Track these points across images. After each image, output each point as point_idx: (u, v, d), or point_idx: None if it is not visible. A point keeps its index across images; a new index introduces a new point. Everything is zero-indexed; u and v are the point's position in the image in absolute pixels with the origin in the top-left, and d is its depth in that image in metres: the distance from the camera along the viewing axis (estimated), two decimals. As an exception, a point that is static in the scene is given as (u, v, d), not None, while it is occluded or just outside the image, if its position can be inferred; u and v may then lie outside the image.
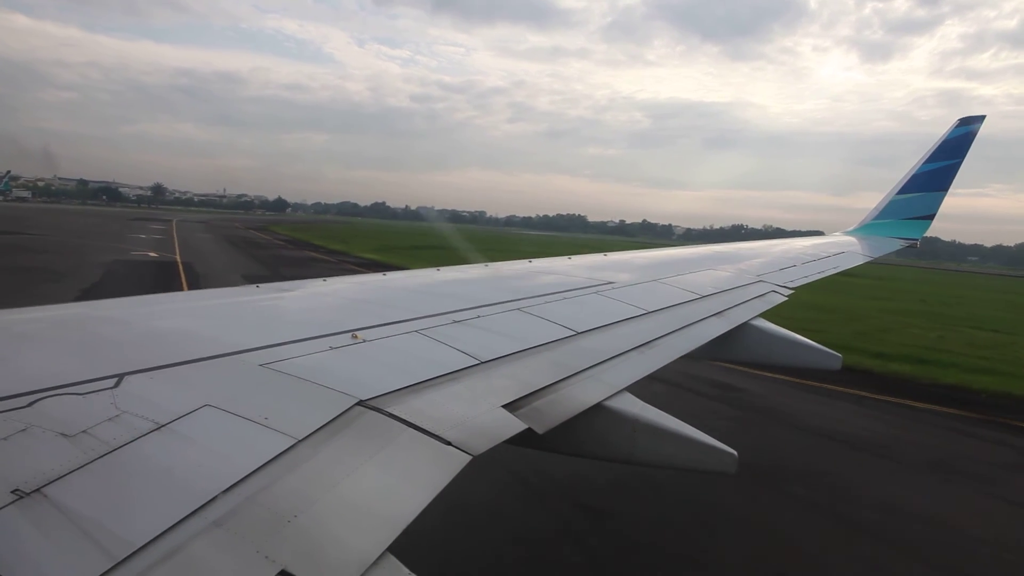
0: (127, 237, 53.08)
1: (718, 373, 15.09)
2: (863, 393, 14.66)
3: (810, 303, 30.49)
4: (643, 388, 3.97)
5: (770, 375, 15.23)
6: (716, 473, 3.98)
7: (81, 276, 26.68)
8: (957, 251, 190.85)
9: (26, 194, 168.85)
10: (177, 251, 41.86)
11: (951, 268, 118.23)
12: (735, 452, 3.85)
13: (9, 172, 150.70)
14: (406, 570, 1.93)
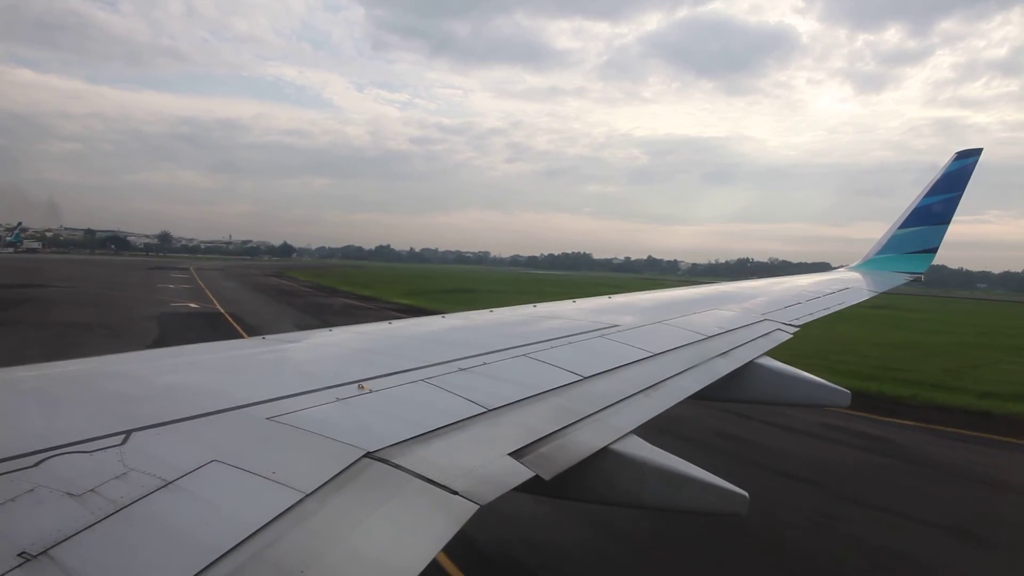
0: (156, 287, 52.99)
1: (856, 423, 14.81)
2: (1006, 439, 14.15)
3: (874, 340, 30.38)
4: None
5: (904, 422, 15.12)
6: (727, 515, 3.91)
7: (139, 331, 26.14)
8: (965, 278, 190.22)
9: (36, 245, 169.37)
10: (215, 301, 41.36)
11: (965, 296, 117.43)
12: (746, 494, 3.79)
13: (20, 224, 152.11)
14: None
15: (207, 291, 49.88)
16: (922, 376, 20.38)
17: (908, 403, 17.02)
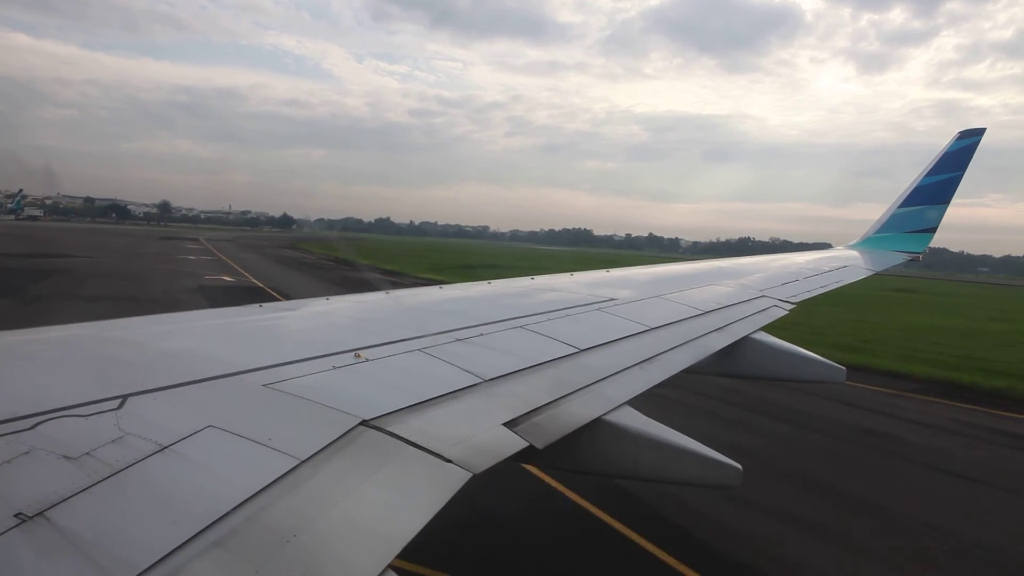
0: (178, 259, 50.96)
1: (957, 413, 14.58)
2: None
3: (933, 325, 29.94)
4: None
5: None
6: (721, 487, 3.97)
7: (193, 307, 24.62)
8: (966, 262, 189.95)
9: (38, 213, 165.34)
10: (247, 275, 39.69)
11: (971, 279, 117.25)
12: (739, 466, 3.84)
13: (21, 191, 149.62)
14: None
15: (232, 263, 48.17)
16: (1005, 367, 19.54)
17: (1008, 396, 16.46)
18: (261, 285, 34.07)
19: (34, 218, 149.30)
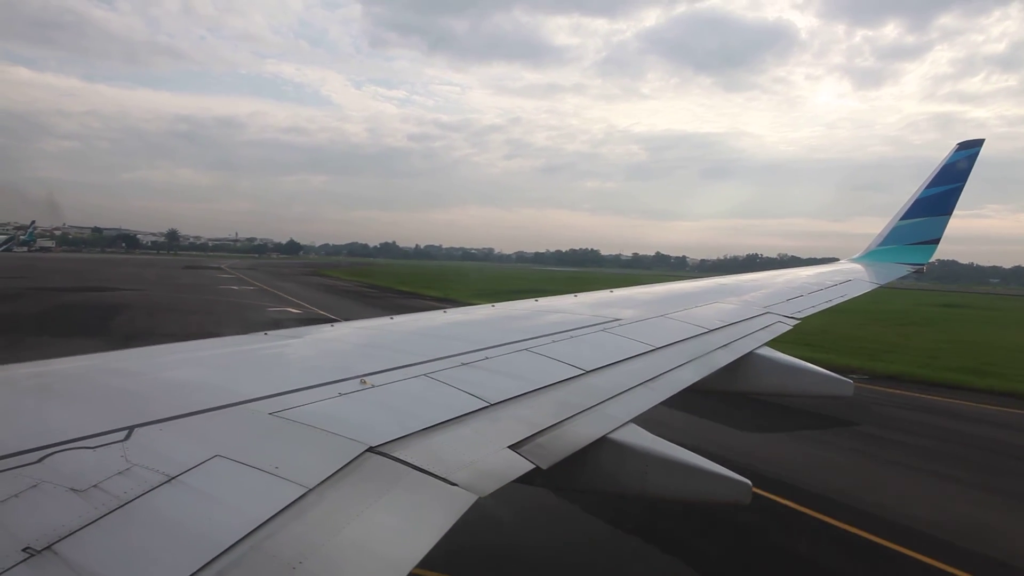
0: (222, 289, 49.89)
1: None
2: None
3: (1003, 343, 29.47)
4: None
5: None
6: (731, 504, 3.93)
7: None
8: (976, 273, 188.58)
9: (50, 244, 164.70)
10: (307, 304, 38.73)
11: (988, 291, 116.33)
12: (749, 482, 3.81)
13: (34, 223, 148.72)
14: None
15: (279, 293, 46.98)
16: None
17: None
18: (331, 316, 32.40)
19: (46, 249, 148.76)
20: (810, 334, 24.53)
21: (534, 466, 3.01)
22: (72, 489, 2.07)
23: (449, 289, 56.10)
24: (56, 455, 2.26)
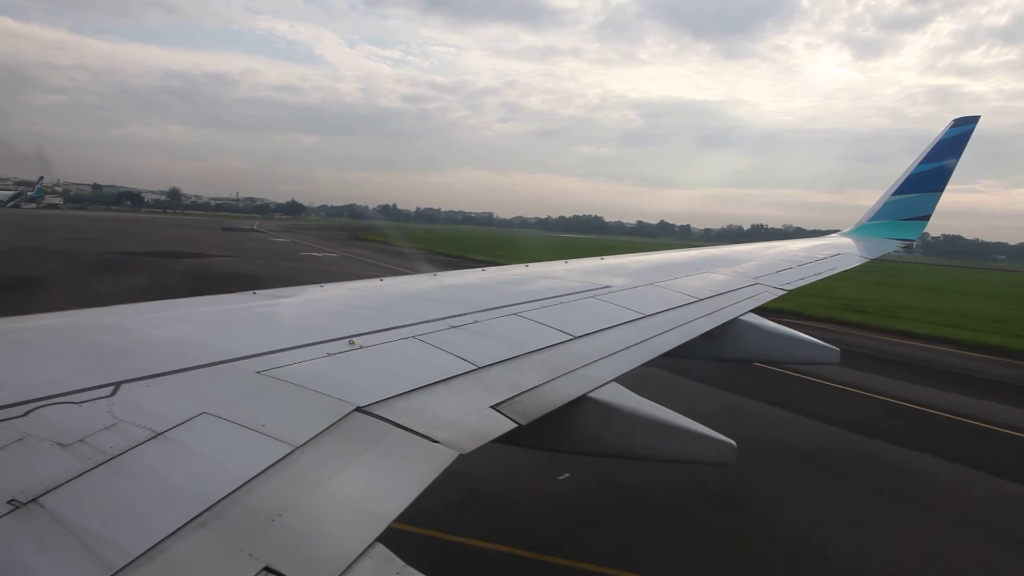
0: (305, 256, 46.50)
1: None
2: None
3: None
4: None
5: None
6: (716, 464, 4.01)
7: None
8: (981, 249, 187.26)
9: (58, 200, 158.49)
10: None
11: (1005, 268, 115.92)
12: (734, 443, 3.87)
13: (42, 178, 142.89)
14: (397, 559, 1.97)
15: (370, 260, 43.79)
16: None
17: None
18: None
19: (54, 206, 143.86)
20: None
21: (516, 424, 3.05)
22: (58, 443, 2.06)
23: (498, 255, 51.72)
24: (42, 409, 2.25)
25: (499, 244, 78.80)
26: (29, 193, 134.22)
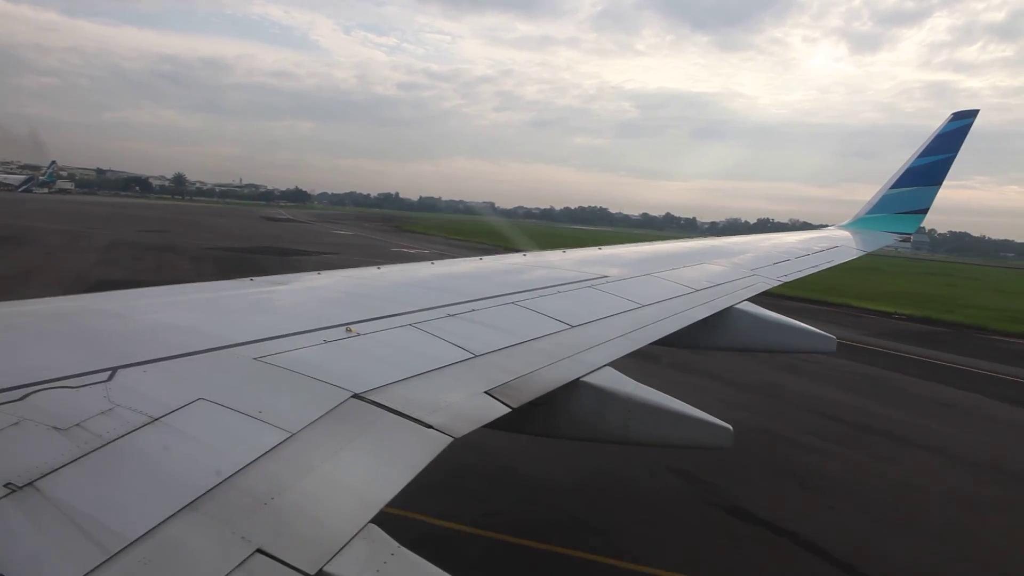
0: (394, 253, 43.50)
1: None
2: None
3: None
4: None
5: None
6: (713, 448, 4.02)
7: None
8: (987, 246, 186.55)
9: (69, 186, 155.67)
10: None
11: (1019, 265, 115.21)
12: (730, 427, 3.88)
13: (54, 163, 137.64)
14: (391, 540, 1.98)
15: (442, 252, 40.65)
16: None
17: None
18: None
19: (66, 191, 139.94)
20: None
21: (509, 409, 3.06)
22: (54, 427, 2.06)
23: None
24: (38, 393, 2.25)
25: (545, 237, 74.52)
26: (41, 178, 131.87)
